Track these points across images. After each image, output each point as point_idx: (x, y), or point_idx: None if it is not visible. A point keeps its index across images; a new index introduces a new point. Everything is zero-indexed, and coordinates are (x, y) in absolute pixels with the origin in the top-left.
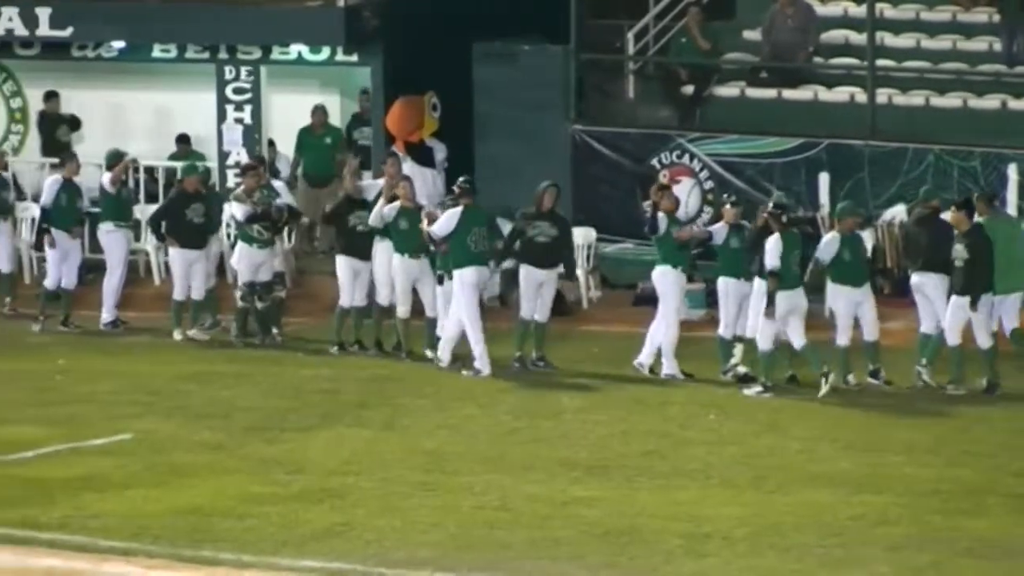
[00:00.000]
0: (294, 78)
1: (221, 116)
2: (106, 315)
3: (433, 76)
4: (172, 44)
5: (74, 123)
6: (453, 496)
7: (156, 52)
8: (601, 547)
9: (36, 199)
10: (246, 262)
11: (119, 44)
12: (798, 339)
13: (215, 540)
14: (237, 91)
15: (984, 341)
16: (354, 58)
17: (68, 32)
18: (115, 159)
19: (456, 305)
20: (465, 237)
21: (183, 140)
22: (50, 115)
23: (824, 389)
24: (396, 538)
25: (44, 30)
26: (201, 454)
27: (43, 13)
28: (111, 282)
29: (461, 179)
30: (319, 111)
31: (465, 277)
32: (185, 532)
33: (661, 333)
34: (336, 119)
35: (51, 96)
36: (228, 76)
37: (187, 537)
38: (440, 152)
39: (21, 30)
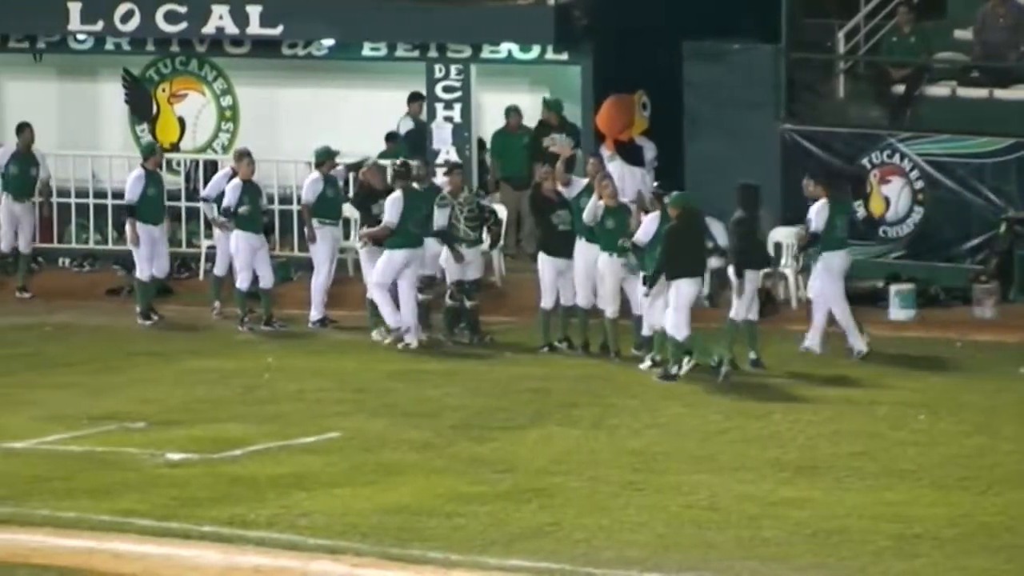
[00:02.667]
0: (504, 77)
1: (431, 115)
2: (315, 313)
3: (643, 75)
4: (382, 42)
5: None
6: (661, 496)
7: (366, 50)
8: (809, 547)
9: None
10: (428, 257)
11: (329, 42)
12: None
13: (423, 539)
14: (447, 89)
15: None
16: (564, 57)
17: (278, 30)
18: (325, 157)
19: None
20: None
21: (392, 138)
22: None
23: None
24: (604, 537)
25: (255, 28)
26: (409, 453)
27: (254, 11)
28: (318, 280)
29: (655, 184)
30: (514, 112)
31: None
32: (393, 531)
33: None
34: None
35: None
36: (438, 74)
37: (395, 536)
38: (650, 151)
39: (232, 28)
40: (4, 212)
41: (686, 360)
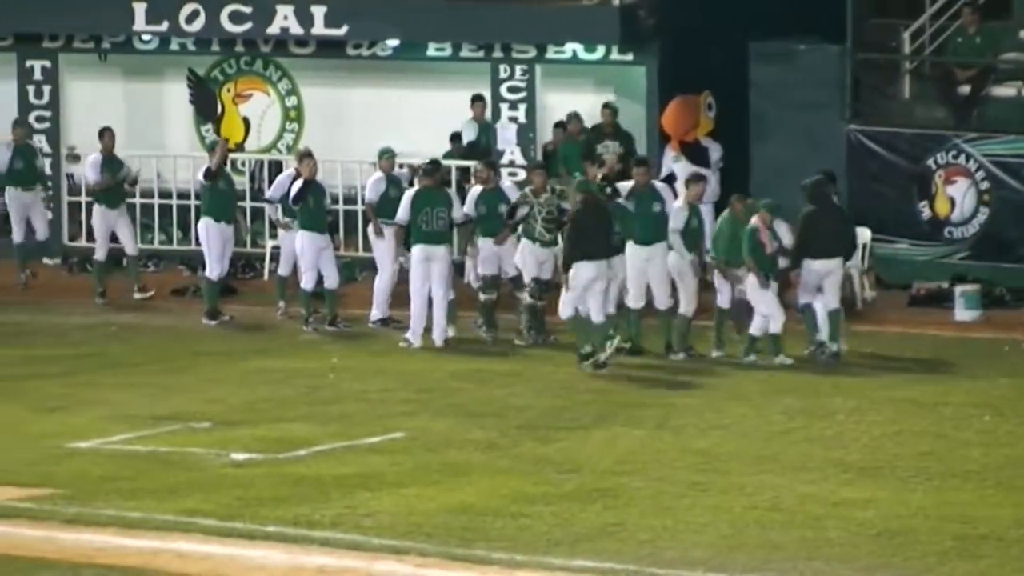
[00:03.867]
0: (568, 77)
1: (495, 115)
2: (375, 312)
3: (708, 75)
4: (447, 43)
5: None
6: (726, 496)
7: (431, 51)
8: (874, 548)
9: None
10: (532, 259)
11: (394, 42)
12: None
13: (487, 539)
14: (512, 90)
15: None
16: (629, 57)
17: (343, 31)
18: (382, 156)
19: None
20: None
21: (457, 138)
22: None
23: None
24: (668, 538)
25: (319, 29)
26: (474, 453)
27: (318, 12)
28: (381, 280)
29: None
30: (574, 119)
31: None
32: (457, 531)
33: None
34: (610, 118)
35: None
36: (503, 75)
37: (459, 536)
38: (715, 152)
39: (296, 29)
40: (99, 220)
41: (610, 344)
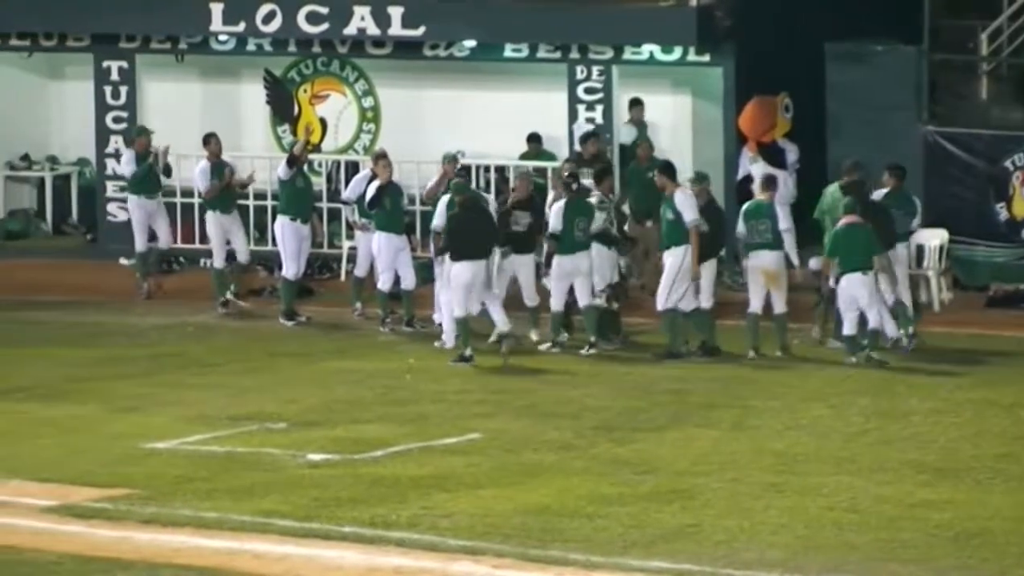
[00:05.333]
0: (645, 78)
1: (572, 116)
2: (437, 316)
3: (785, 76)
4: (524, 43)
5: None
6: (802, 497)
7: (508, 51)
8: (951, 550)
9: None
10: (608, 263)
11: (471, 43)
12: (582, 298)
13: (564, 540)
14: (588, 91)
15: None
16: (706, 58)
17: (420, 31)
18: (448, 162)
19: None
20: None
21: (534, 139)
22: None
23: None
24: (745, 539)
25: (396, 29)
26: (550, 454)
27: (395, 12)
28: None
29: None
30: (645, 144)
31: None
32: (534, 532)
33: None
34: (687, 120)
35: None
36: (579, 76)
37: (536, 537)
38: (792, 153)
39: (373, 29)
40: (214, 227)
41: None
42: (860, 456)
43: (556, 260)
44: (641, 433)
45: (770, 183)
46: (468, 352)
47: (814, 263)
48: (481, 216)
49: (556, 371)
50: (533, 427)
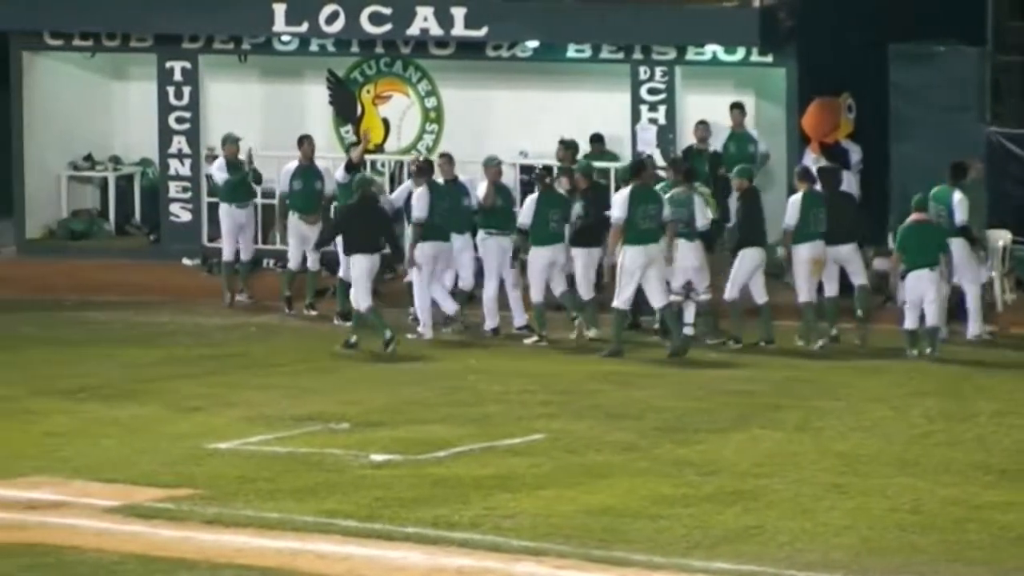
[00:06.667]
0: (708, 79)
1: (635, 116)
2: (489, 323)
3: (848, 77)
4: (587, 44)
5: None
6: (866, 499)
7: (570, 52)
8: (1016, 552)
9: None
10: (692, 258)
11: (533, 44)
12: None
13: (626, 541)
14: (651, 91)
15: None
16: (769, 59)
17: (483, 32)
18: (491, 164)
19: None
20: None
21: (597, 140)
22: None
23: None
24: (808, 540)
25: (459, 30)
26: (613, 454)
27: (458, 13)
28: (488, 291)
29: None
30: (701, 127)
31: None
32: (596, 532)
33: None
34: (751, 121)
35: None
36: (642, 76)
37: (598, 538)
38: (855, 154)
39: (436, 30)
40: (293, 229)
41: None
42: (924, 457)
43: (533, 252)
44: (704, 434)
45: (806, 175)
46: (353, 339)
47: (879, 263)
48: (375, 211)
49: (620, 372)
50: (596, 428)
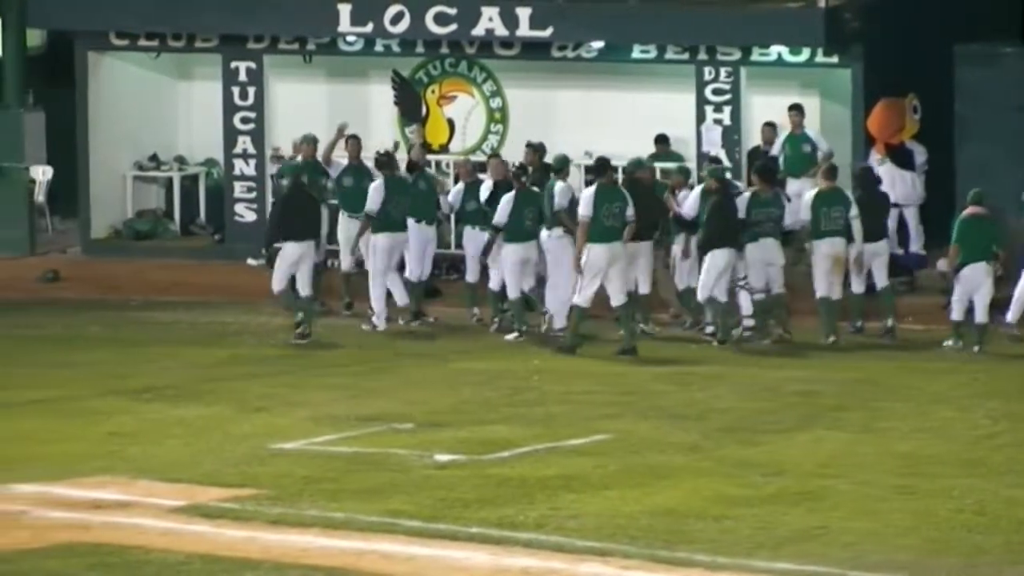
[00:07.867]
0: (773, 79)
1: (700, 117)
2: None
3: (913, 78)
4: (652, 45)
5: None
6: (930, 500)
7: (636, 53)
8: None
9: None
10: (764, 256)
11: (598, 44)
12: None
13: (690, 541)
14: (716, 92)
15: None
16: (834, 60)
17: (548, 32)
18: (561, 164)
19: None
20: None
21: (662, 140)
22: None
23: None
24: (872, 541)
25: (524, 30)
26: (677, 455)
27: (523, 13)
28: (560, 292)
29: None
30: (767, 128)
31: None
32: (661, 533)
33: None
34: (815, 122)
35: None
36: (707, 77)
37: (662, 538)
38: (920, 155)
39: (501, 30)
40: (342, 230)
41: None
42: (989, 459)
43: (507, 249)
44: (768, 435)
45: (832, 173)
46: (307, 330)
47: (942, 264)
48: (309, 200)
49: (683, 372)
50: (660, 428)
